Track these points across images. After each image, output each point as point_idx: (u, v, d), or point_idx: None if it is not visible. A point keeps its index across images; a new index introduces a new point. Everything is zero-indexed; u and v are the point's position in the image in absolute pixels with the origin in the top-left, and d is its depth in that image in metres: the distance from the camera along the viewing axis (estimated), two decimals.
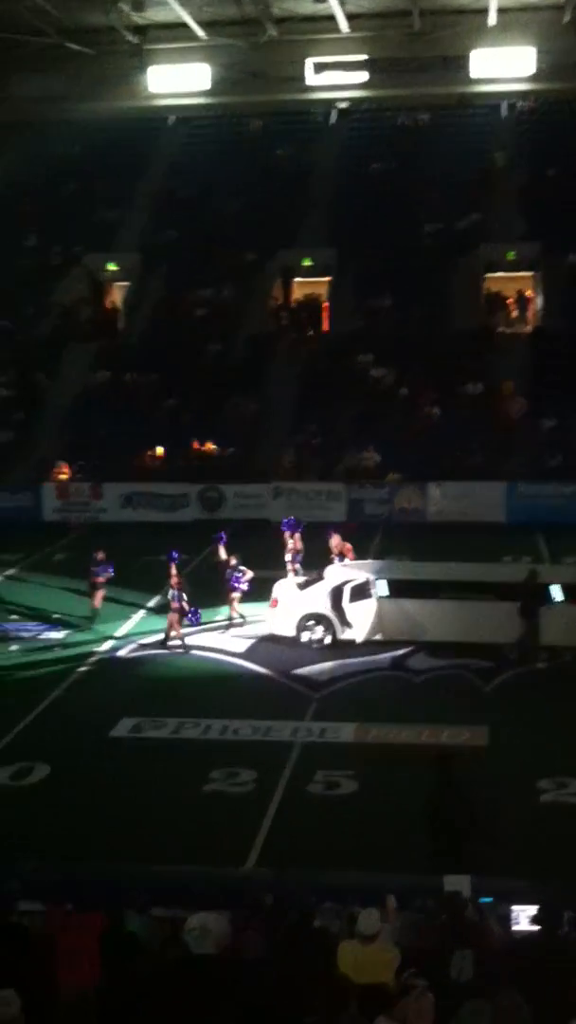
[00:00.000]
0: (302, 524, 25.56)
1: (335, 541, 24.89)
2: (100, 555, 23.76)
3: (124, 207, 47.79)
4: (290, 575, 24.18)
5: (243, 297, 43.28)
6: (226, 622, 23.11)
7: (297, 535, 25.06)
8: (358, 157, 48.40)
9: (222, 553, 23.42)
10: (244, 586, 22.92)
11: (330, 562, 23.94)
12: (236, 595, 22.95)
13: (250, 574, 23.01)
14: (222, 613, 23.35)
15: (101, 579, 23.55)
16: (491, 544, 27.97)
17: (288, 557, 24.83)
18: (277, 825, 14.91)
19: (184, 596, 21.90)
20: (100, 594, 23.68)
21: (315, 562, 24.21)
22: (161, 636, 22.34)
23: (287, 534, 25.07)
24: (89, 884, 12.09)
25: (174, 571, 22.06)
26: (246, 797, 15.77)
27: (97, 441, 36.99)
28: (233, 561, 23.04)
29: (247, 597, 23.22)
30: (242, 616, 23.04)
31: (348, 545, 24.92)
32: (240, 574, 22.87)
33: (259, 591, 23.15)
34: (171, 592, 22.01)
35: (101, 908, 10.60)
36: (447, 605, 21.56)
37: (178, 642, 22.08)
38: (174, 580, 21.97)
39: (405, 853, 13.50)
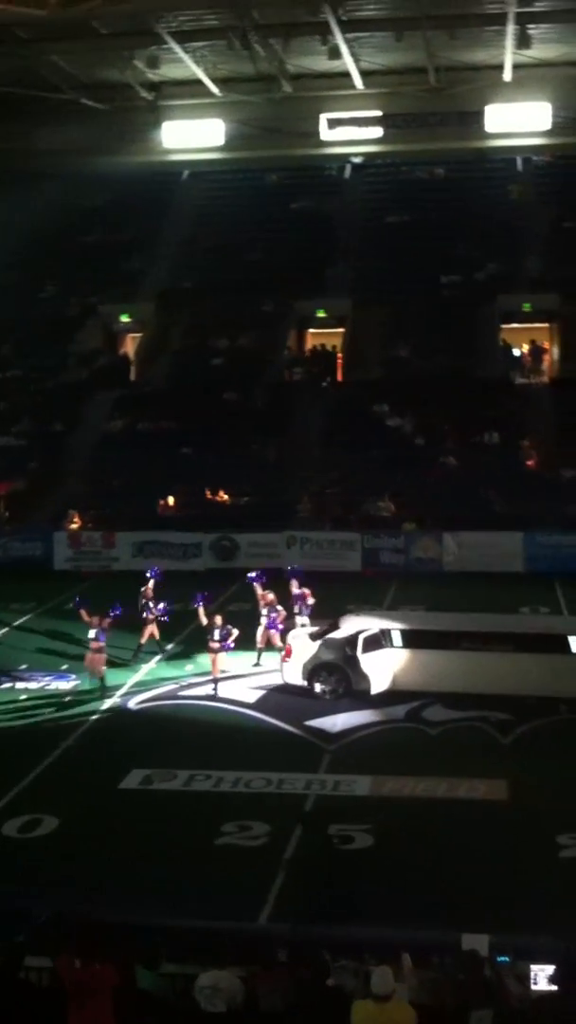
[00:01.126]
0: (263, 575, 24.87)
1: (293, 587, 24.59)
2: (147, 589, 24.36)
3: (142, 257, 48.17)
4: (263, 622, 23.75)
5: (261, 347, 43.42)
6: (215, 680, 22.26)
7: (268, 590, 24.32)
8: (375, 209, 48.87)
9: (203, 616, 22.58)
10: (232, 645, 22.23)
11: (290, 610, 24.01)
12: (223, 654, 22.14)
13: (236, 632, 22.38)
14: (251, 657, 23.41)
15: (150, 616, 24.13)
16: (508, 594, 27.64)
17: (264, 611, 23.94)
18: (290, 879, 14.52)
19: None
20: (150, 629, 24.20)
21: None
22: (174, 686, 22.32)
23: (258, 586, 24.31)
24: (100, 937, 11.71)
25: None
26: (259, 850, 15.39)
27: (113, 489, 36.89)
28: (219, 620, 22.35)
29: (250, 646, 23.32)
30: (223, 671, 22.33)
31: (307, 591, 24.59)
32: (227, 633, 22.12)
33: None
34: (95, 631, 21.92)
35: (111, 961, 10.31)
36: (463, 656, 21.16)
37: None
38: (105, 621, 22.00)
39: (421, 909, 13.17)
